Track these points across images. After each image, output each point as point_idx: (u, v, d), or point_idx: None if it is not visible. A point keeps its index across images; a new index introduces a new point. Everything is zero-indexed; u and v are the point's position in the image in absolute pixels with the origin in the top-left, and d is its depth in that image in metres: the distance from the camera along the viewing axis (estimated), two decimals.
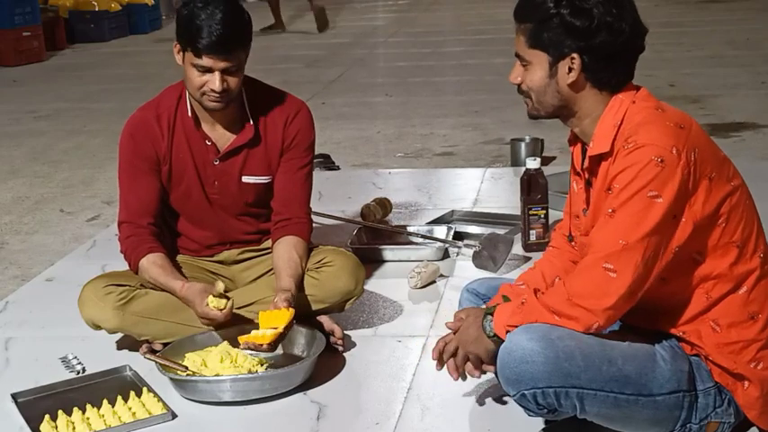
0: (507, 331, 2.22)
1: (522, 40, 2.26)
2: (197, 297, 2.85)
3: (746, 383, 2.24)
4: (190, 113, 3.03)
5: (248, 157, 3.07)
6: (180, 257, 3.16)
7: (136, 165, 3.04)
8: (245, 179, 3.09)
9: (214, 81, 2.86)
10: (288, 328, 2.76)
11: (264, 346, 2.71)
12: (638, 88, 2.27)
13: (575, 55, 2.19)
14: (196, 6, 2.84)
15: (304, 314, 2.99)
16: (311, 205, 3.20)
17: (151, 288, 2.97)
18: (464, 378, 2.40)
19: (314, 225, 3.19)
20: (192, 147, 3.05)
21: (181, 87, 3.05)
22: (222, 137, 3.06)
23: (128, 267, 3.07)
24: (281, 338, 2.75)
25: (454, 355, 2.36)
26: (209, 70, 2.85)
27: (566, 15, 2.17)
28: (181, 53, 2.91)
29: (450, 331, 2.41)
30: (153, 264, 2.96)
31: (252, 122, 3.05)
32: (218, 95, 2.88)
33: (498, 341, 2.25)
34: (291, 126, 3.09)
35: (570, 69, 2.21)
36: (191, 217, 3.13)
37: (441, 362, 2.40)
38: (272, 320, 2.77)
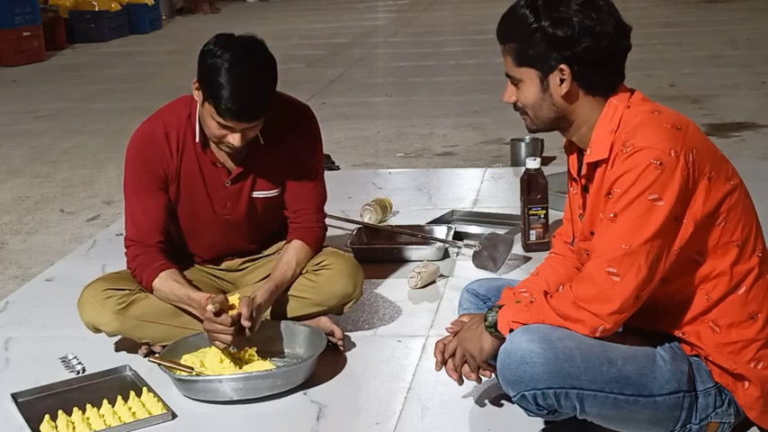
0: (510, 329, 2.22)
1: (509, 60, 2.26)
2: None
3: (747, 383, 2.24)
4: (198, 139, 2.92)
5: (258, 175, 3.00)
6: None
7: (145, 181, 2.94)
8: (255, 194, 3.03)
9: (235, 138, 2.75)
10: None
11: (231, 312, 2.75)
12: (632, 92, 2.26)
13: (563, 66, 2.19)
14: (223, 63, 2.67)
15: (303, 315, 3.00)
16: None
17: (151, 292, 2.95)
18: (461, 382, 2.41)
19: None
20: (202, 169, 2.96)
21: (191, 105, 2.92)
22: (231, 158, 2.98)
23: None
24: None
25: (453, 356, 2.37)
26: (231, 128, 2.75)
27: (547, 28, 2.16)
28: (200, 96, 2.77)
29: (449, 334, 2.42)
30: (168, 279, 2.89)
31: (261, 141, 2.94)
32: (236, 146, 2.80)
33: (497, 336, 2.26)
34: (299, 137, 3.02)
35: (561, 81, 2.21)
36: (197, 233, 3.08)
37: (440, 362, 2.40)
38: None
